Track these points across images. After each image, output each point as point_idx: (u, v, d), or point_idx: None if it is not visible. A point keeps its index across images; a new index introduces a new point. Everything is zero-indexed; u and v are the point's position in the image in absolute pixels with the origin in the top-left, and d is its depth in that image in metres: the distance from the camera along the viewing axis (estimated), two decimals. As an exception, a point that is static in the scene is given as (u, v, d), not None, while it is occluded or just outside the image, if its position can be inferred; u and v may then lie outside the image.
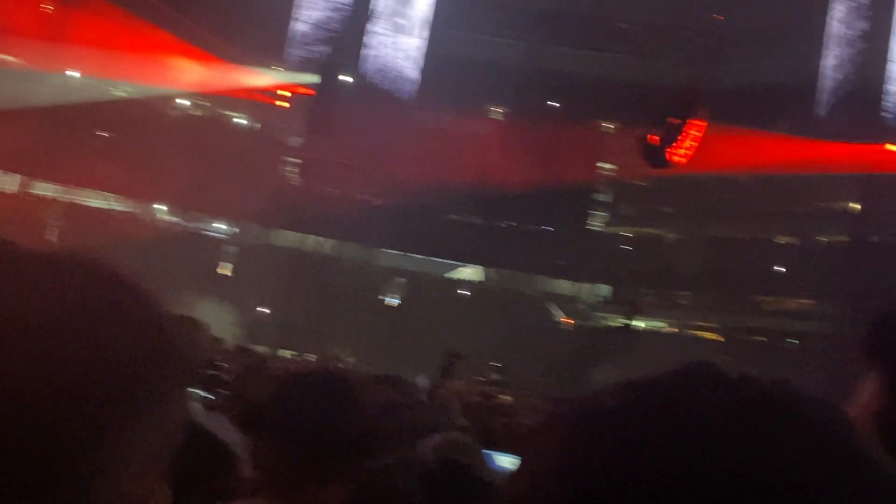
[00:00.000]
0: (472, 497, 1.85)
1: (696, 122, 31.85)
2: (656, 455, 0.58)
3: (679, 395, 0.60)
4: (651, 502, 0.57)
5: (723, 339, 43.85)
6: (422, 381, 20.60)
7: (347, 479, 1.91)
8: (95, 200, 42.16)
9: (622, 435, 0.59)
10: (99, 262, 0.72)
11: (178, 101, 47.34)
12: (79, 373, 0.62)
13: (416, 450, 2.87)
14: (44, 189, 40.67)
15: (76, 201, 41.07)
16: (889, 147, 37.74)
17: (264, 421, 1.93)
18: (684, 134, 31.27)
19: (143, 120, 41.21)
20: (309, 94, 42.89)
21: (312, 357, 29.27)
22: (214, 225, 47.14)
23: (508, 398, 23.61)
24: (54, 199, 39.78)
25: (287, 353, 30.24)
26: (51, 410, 0.60)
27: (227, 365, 9.27)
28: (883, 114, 39.57)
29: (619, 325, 29.89)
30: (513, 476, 0.65)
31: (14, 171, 39.12)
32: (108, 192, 42.29)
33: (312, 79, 43.12)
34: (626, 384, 0.63)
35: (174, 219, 45.83)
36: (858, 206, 42.20)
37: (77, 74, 41.14)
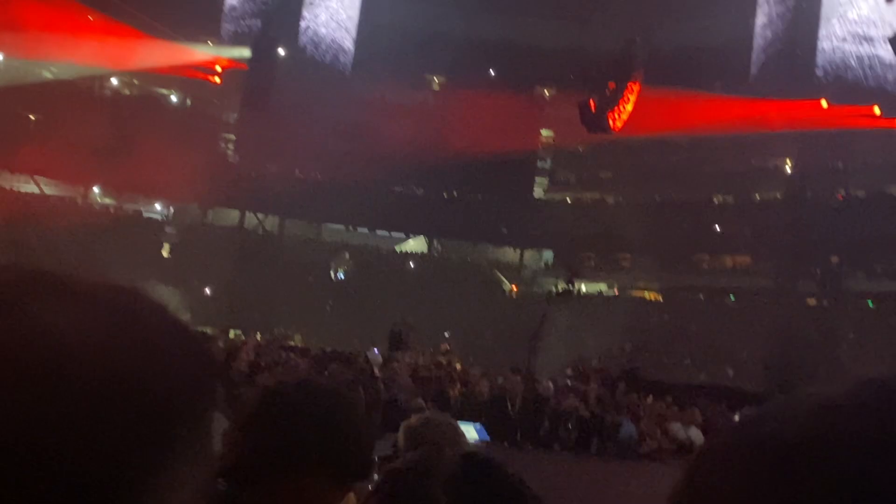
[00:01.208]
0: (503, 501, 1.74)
1: (633, 86, 32.04)
2: (859, 487, 0.50)
3: (875, 417, 0.53)
4: None
5: (661, 299, 44.66)
6: (373, 355, 20.60)
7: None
8: (27, 185, 41.02)
9: (817, 466, 0.52)
10: (131, 286, 0.67)
11: (107, 80, 46.13)
12: (139, 405, 0.60)
13: (400, 436, 2.77)
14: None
15: (5, 186, 39.89)
16: (822, 103, 38.35)
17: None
18: (622, 98, 31.44)
19: (71, 100, 40.06)
20: (242, 69, 42.12)
21: (258, 336, 29.00)
22: (151, 206, 46.22)
23: (459, 366, 23.70)
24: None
25: (234, 333, 29.85)
26: (107, 445, 0.59)
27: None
28: (816, 69, 40.12)
29: (562, 289, 30.09)
30: (685, 498, 0.58)
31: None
32: (39, 175, 41.14)
33: (244, 53, 42.33)
34: (805, 407, 0.55)
35: (109, 201, 44.83)
36: (793, 163, 43.03)
37: (0, 56, 39.81)
